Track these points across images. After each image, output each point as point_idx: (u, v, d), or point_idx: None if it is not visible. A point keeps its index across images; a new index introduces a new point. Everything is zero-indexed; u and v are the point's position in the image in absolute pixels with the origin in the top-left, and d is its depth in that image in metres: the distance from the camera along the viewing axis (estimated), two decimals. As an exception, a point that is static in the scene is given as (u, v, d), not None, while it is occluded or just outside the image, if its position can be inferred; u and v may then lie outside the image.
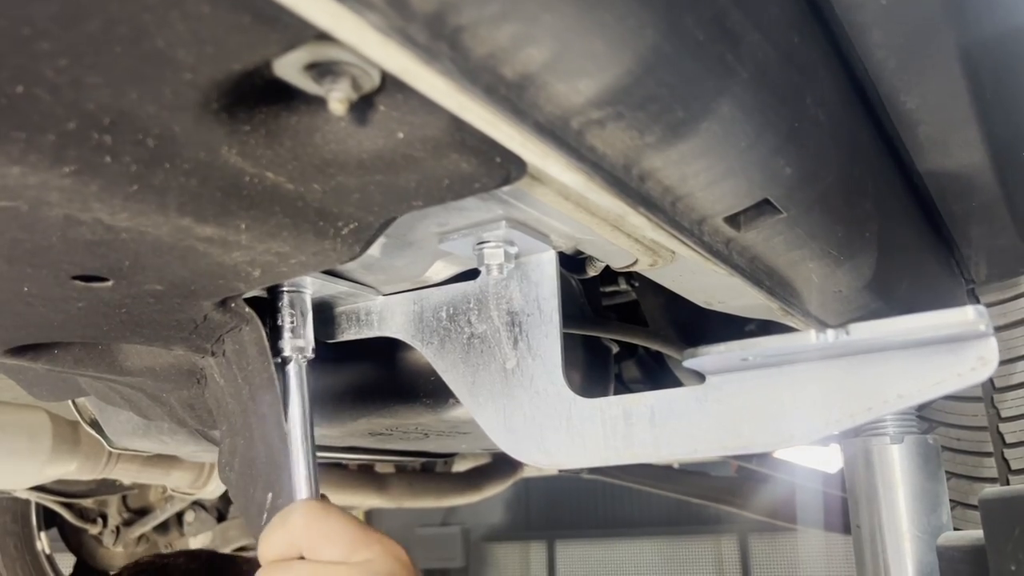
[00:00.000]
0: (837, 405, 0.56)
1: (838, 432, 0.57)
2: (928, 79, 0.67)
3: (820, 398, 0.56)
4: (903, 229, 0.90)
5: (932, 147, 0.78)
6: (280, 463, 0.62)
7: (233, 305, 0.63)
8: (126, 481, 2.04)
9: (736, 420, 0.58)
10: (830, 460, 2.31)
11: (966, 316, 0.48)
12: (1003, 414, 1.13)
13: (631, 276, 1.16)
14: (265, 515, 0.65)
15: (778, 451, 2.35)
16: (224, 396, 0.74)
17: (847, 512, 1.14)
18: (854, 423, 0.55)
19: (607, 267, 0.77)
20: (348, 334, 0.77)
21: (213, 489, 1.92)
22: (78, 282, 0.53)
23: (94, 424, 1.28)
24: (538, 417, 0.65)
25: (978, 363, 0.52)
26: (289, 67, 0.40)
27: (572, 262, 0.79)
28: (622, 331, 1.08)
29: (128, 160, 0.41)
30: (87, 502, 2.24)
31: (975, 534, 0.82)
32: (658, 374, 1.41)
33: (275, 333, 0.69)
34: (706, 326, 1.24)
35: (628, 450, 0.61)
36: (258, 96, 0.43)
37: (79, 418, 1.32)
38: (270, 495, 0.65)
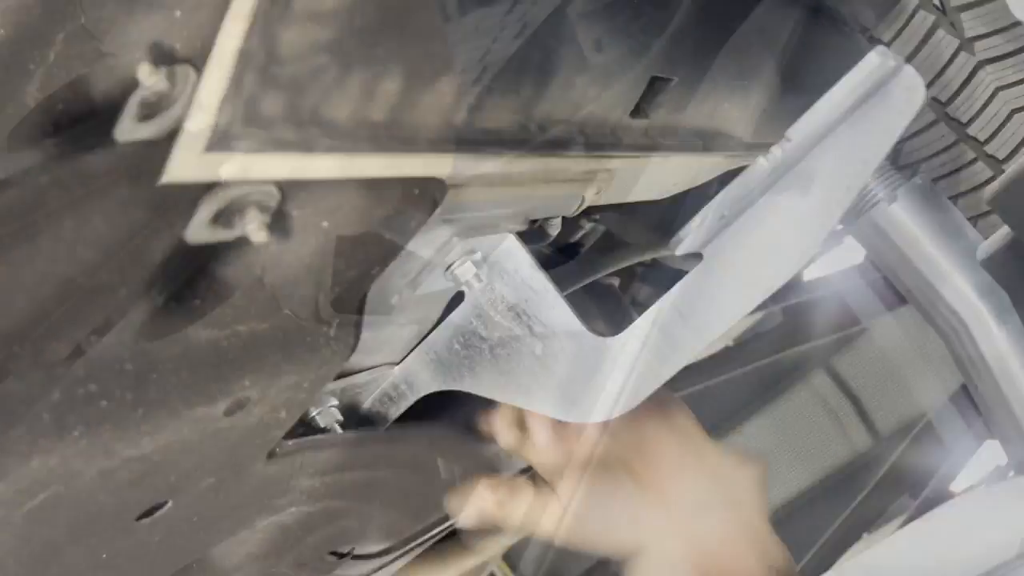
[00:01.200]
0: (825, 197, 0.57)
1: (840, 218, 0.58)
2: None
3: (807, 205, 0.58)
4: (784, 21, 0.92)
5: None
6: None
7: (278, 450, 0.64)
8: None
9: (750, 271, 0.59)
10: (851, 253, 2.34)
11: (873, 62, 0.50)
12: (962, 119, 1.15)
13: (590, 213, 1.17)
14: None
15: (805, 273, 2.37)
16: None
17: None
18: (850, 199, 0.56)
19: (564, 219, 0.79)
20: (393, 413, 0.79)
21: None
22: (144, 520, 0.54)
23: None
24: (587, 378, 0.66)
25: (908, 93, 0.54)
26: (199, 230, 0.41)
27: (532, 236, 0.81)
28: (610, 262, 1.09)
29: (120, 393, 0.42)
30: None
31: (1003, 231, 0.84)
32: (663, 278, 1.43)
33: None
34: (679, 212, 1.26)
35: (678, 353, 0.62)
36: (188, 269, 0.44)
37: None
38: None
